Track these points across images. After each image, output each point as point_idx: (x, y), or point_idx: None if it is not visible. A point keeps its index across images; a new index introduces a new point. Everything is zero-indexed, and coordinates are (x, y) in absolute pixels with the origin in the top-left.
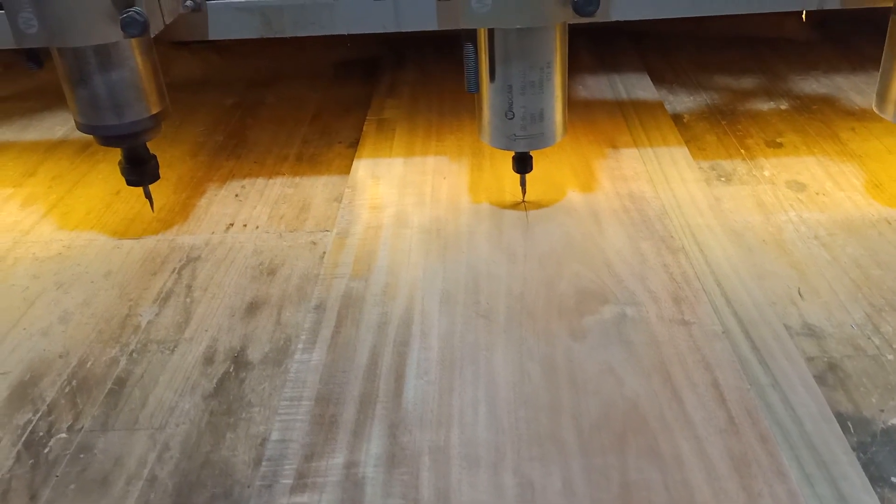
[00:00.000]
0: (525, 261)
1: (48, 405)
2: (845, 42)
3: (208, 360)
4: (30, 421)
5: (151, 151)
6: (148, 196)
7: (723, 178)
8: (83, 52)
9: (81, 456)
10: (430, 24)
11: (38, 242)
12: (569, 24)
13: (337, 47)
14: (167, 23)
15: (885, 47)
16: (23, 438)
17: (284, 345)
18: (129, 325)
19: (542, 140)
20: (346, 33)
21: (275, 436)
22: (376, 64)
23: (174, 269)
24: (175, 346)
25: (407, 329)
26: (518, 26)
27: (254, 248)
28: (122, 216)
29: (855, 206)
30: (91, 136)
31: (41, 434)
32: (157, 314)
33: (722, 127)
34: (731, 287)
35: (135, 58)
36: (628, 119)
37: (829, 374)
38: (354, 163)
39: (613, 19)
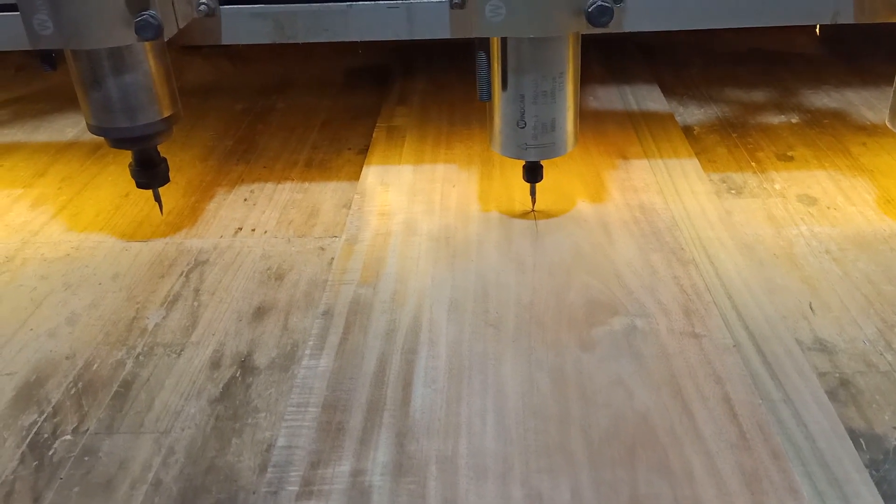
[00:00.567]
0: (534, 270)
1: (54, 407)
2: (855, 58)
3: (215, 364)
4: (35, 422)
5: (162, 155)
6: (157, 199)
7: (733, 191)
8: (97, 55)
9: (86, 459)
10: (444, 33)
11: (47, 243)
12: (581, 35)
13: (347, 54)
14: (181, 27)
15: None
16: (27, 440)
17: (291, 350)
18: (136, 327)
19: (553, 150)
20: (358, 40)
21: (281, 442)
22: (386, 71)
23: (182, 273)
24: (182, 350)
25: (415, 337)
26: (531, 36)
27: (262, 253)
28: (130, 219)
29: (867, 222)
30: (101, 138)
31: (46, 436)
32: (164, 317)
33: (732, 139)
34: (742, 300)
35: (148, 61)
36: (638, 130)
37: (840, 389)
38: (364, 169)
39: (626, 30)
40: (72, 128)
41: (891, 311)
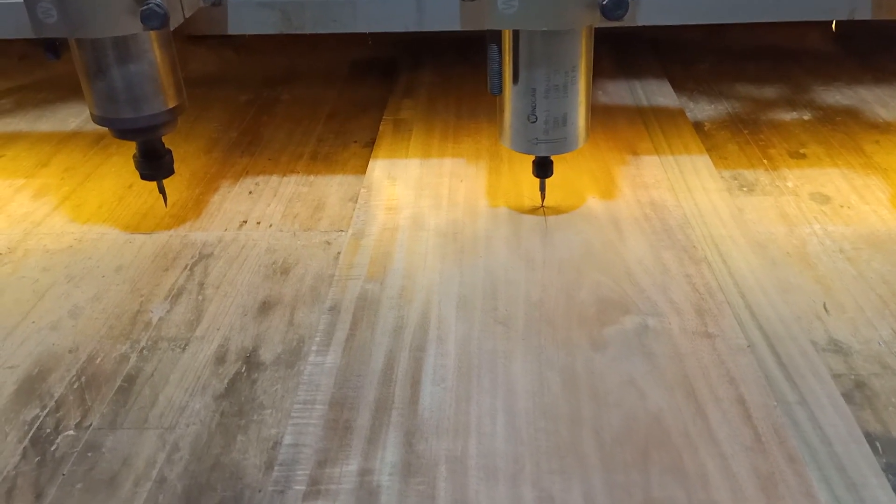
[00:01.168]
0: (544, 267)
1: (56, 401)
2: (868, 55)
3: (220, 359)
4: (37, 417)
5: (166, 146)
6: (162, 191)
7: (745, 188)
8: (102, 44)
9: (89, 454)
10: (454, 25)
11: (50, 234)
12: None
13: (353, 46)
14: (187, 16)
15: None
16: (30, 435)
17: (297, 346)
18: (140, 321)
19: (564, 145)
20: (366, 32)
21: (288, 440)
22: (393, 63)
23: (186, 266)
24: (186, 345)
25: (423, 334)
26: (544, 29)
27: (267, 247)
28: (134, 210)
29: (881, 221)
30: (104, 129)
31: (48, 431)
32: (168, 311)
33: (744, 136)
34: (756, 300)
35: (153, 51)
36: (649, 126)
37: (856, 392)
38: (370, 163)
39: (640, 24)
40: (75, 117)
41: None
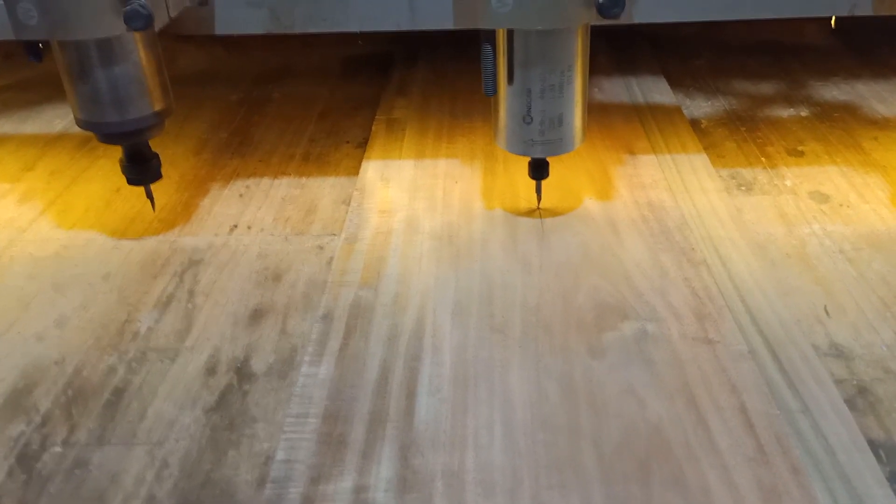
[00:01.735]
0: (541, 271)
1: (42, 416)
2: (866, 49)
3: (210, 370)
4: (23, 433)
5: (153, 149)
6: (149, 196)
7: (743, 188)
8: (85, 46)
9: (76, 472)
10: (447, 24)
11: (36, 241)
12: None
13: (345, 43)
14: (172, 16)
15: None
16: (15, 451)
17: (290, 355)
18: (128, 331)
19: (560, 146)
20: (358, 31)
21: (280, 455)
22: (386, 60)
23: (175, 273)
24: (175, 356)
25: (418, 342)
26: (539, 28)
27: (258, 252)
28: (122, 215)
29: (881, 220)
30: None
31: (35, 447)
32: (157, 320)
33: (741, 133)
34: (756, 304)
35: (138, 52)
36: (645, 124)
37: (858, 398)
38: (363, 164)
39: (637, 22)
40: (61, 119)
41: None
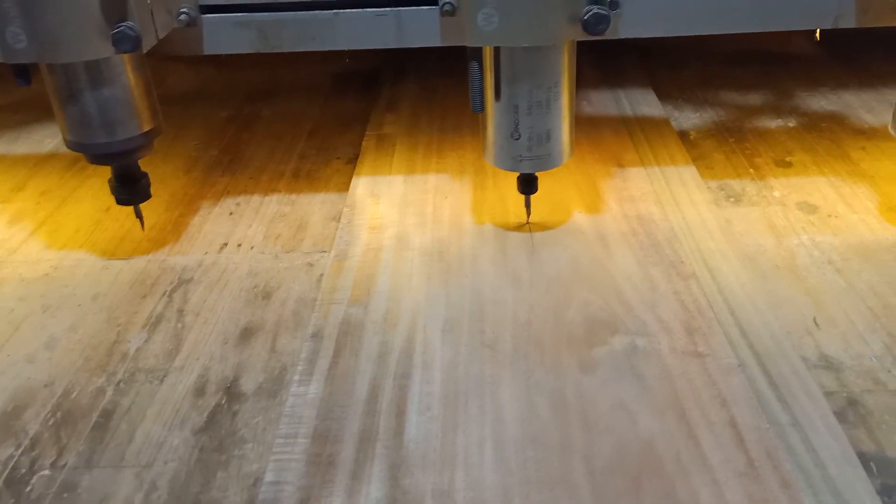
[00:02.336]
0: (531, 286)
1: (31, 439)
2: (853, 58)
3: (199, 391)
4: (11, 456)
5: (143, 167)
6: (139, 216)
7: (732, 199)
8: (73, 68)
9: (65, 495)
10: (434, 41)
11: (26, 262)
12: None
13: (334, 59)
14: (160, 37)
15: None
16: (3, 475)
17: (280, 374)
18: (117, 352)
19: (548, 161)
20: (346, 49)
21: (269, 477)
22: (375, 76)
23: (165, 292)
24: (164, 376)
25: (408, 360)
26: (525, 45)
27: (248, 270)
28: (111, 234)
29: (869, 230)
30: None
31: (23, 471)
32: (146, 340)
33: (730, 145)
34: (746, 316)
35: (127, 74)
36: (634, 137)
37: (849, 410)
38: (353, 180)
39: (622, 37)
40: (51, 139)
41: None
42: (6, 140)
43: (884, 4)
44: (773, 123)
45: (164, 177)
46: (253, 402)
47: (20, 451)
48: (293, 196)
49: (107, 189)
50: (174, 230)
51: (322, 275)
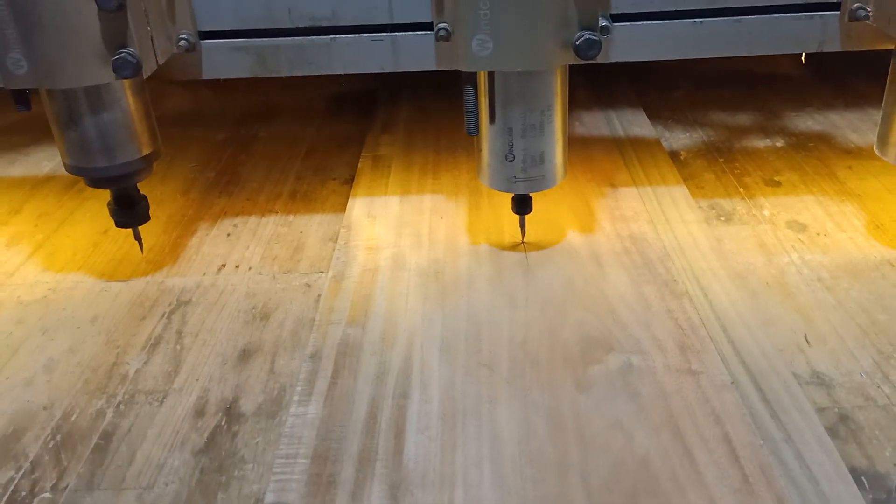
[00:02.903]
0: (527, 306)
1: (31, 462)
2: (838, 79)
3: (199, 412)
4: (12, 479)
5: (140, 189)
6: (138, 238)
7: (722, 218)
8: (74, 94)
9: None
10: (429, 65)
11: (23, 285)
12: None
13: (329, 83)
14: (160, 63)
15: (886, 91)
16: (4, 499)
17: (279, 395)
18: (117, 374)
19: (542, 182)
20: (342, 73)
21: (269, 498)
22: (370, 98)
23: (164, 314)
24: (164, 398)
25: (406, 380)
26: (519, 69)
27: (246, 291)
28: (109, 256)
29: (857, 248)
30: None
31: (24, 494)
32: (145, 362)
33: (719, 165)
34: (737, 334)
35: (126, 98)
36: (626, 157)
37: (840, 425)
38: (350, 201)
39: (613, 61)
40: (48, 161)
41: (886, 342)
42: (3, 163)
43: (866, 29)
44: (761, 143)
45: (162, 198)
46: (252, 422)
47: (20, 473)
48: (290, 217)
49: (104, 211)
50: (172, 252)
51: (320, 295)
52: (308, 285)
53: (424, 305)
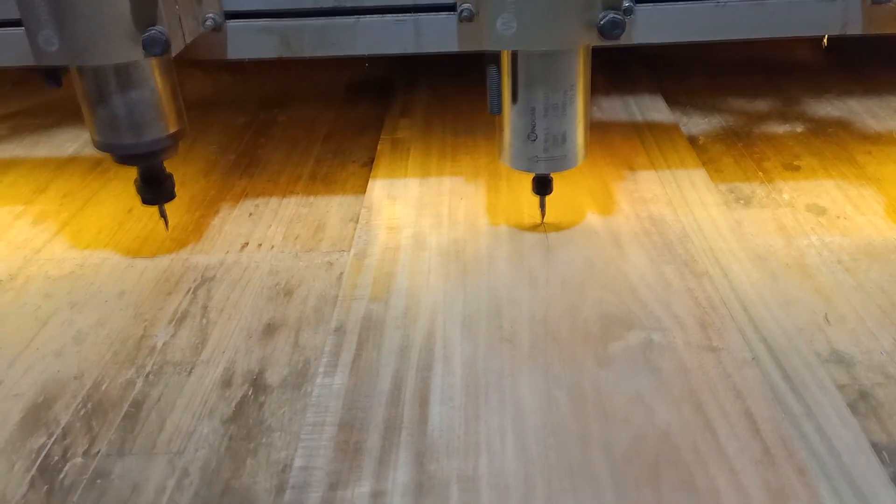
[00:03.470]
0: (547, 285)
1: (63, 429)
2: (857, 66)
3: (226, 383)
4: (44, 445)
5: (167, 170)
6: (163, 215)
7: (742, 201)
8: (103, 71)
9: (98, 482)
10: (452, 46)
11: (51, 261)
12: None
13: (348, 67)
14: (188, 42)
15: None
16: (37, 463)
17: (303, 368)
18: (145, 346)
19: (564, 162)
20: (365, 55)
21: (298, 462)
22: (388, 83)
23: (189, 290)
24: (192, 369)
25: (429, 353)
26: (543, 49)
27: (269, 269)
28: (134, 235)
29: (877, 231)
30: (102, 153)
31: (56, 459)
32: (172, 335)
33: (738, 149)
34: (758, 313)
35: (154, 77)
36: (644, 141)
37: (860, 402)
38: (370, 183)
39: (636, 42)
40: (72, 142)
41: None
42: (27, 144)
43: (889, 13)
44: (780, 129)
45: (185, 179)
46: (278, 393)
47: (52, 439)
48: (311, 198)
49: (129, 191)
50: (196, 230)
51: (342, 273)
52: (330, 263)
53: (446, 283)
